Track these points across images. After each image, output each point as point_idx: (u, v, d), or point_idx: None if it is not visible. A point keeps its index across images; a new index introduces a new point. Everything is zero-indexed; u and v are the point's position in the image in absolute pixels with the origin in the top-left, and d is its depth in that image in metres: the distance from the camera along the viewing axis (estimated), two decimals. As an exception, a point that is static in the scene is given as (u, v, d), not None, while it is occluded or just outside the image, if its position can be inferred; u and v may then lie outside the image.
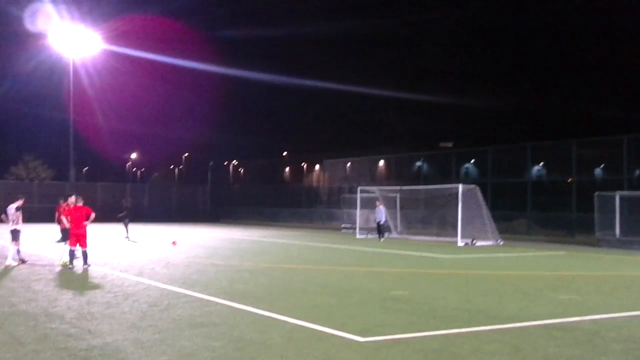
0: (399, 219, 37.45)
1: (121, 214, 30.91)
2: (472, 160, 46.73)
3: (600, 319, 10.50)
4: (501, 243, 29.97)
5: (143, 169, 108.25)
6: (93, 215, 17.03)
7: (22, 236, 17.95)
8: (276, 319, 9.86)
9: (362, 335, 8.71)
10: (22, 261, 17.71)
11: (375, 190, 36.95)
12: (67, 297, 11.85)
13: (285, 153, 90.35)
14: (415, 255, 23.14)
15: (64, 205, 19.68)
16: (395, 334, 8.92)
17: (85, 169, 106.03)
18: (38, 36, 52.38)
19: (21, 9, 53.41)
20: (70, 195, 18.40)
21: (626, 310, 11.31)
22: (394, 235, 35.51)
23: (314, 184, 66.56)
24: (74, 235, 16.51)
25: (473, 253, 24.81)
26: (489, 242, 29.82)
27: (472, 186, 31.20)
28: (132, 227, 31.05)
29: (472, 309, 11.17)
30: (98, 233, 33.95)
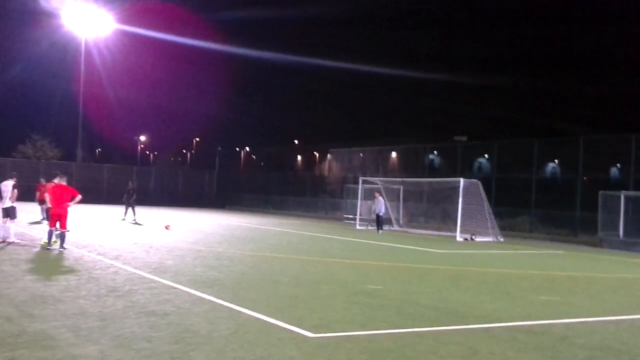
0: (401, 211, 36.97)
1: (132, 198, 30.89)
2: (486, 155, 46.12)
3: (575, 322, 10.04)
4: (501, 240, 29.41)
5: (156, 153, 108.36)
6: (79, 197, 16.49)
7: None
8: (233, 310, 9.48)
9: (314, 331, 8.31)
10: (3, 240, 17.47)
11: (378, 181, 36.46)
12: (28, 279, 11.53)
13: (296, 141, 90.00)
14: (409, 249, 22.69)
15: (48, 184, 19.40)
16: (351, 330, 8.52)
17: (98, 150, 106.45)
18: (51, 15, 52.31)
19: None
20: (56, 175, 18.11)
21: (605, 315, 10.84)
22: (395, 227, 35.06)
23: (324, 173, 66.02)
24: (54, 215, 15.95)
25: (469, 249, 24.31)
26: (489, 239, 29.28)
27: (475, 181, 30.65)
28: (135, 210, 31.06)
29: (443, 307, 10.73)
30: (98, 214, 33.88)
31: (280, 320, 8.84)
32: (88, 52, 53.72)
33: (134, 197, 31.27)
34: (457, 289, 13.11)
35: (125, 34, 56.94)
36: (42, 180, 24.48)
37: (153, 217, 33.80)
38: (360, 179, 36.81)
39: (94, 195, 49.41)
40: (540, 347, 8.21)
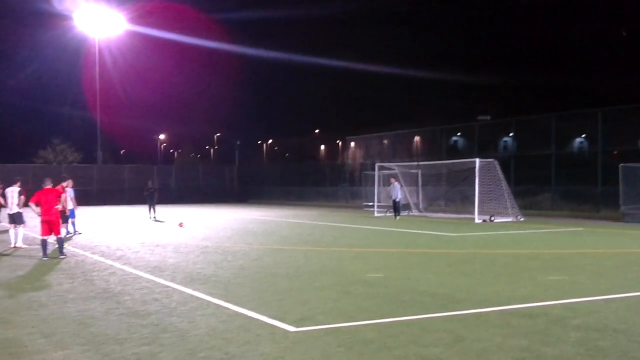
0: (420, 195, 36.52)
1: (153, 197, 31.93)
2: (511, 134, 45.33)
3: (576, 302, 9.63)
4: (521, 219, 28.86)
5: (180, 150, 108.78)
6: (64, 195, 16.13)
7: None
8: (219, 307, 9.26)
9: (297, 325, 8.04)
10: (13, 246, 17.47)
11: (394, 166, 36.03)
12: (19, 285, 11.42)
13: (317, 130, 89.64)
14: (423, 234, 22.30)
15: (58, 187, 18.76)
16: (336, 322, 8.23)
17: (122, 151, 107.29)
18: (63, 17, 52.58)
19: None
20: (65, 179, 17.93)
21: (611, 293, 10.38)
22: (414, 212, 34.65)
23: (343, 161, 65.56)
24: (45, 223, 14.73)
25: (487, 230, 23.84)
26: (509, 219, 28.74)
27: (491, 160, 30.08)
28: (157, 208, 31.78)
29: (441, 293, 10.38)
30: (117, 215, 34.05)
31: (265, 315, 8.60)
32: (102, 53, 53.98)
33: (155, 195, 31.89)
34: (461, 273, 12.74)
35: (137, 34, 57.10)
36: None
37: (172, 215, 33.77)
38: (377, 165, 36.42)
39: (116, 196, 49.79)
40: (532, 330, 7.84)
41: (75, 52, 57.02)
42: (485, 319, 8.48)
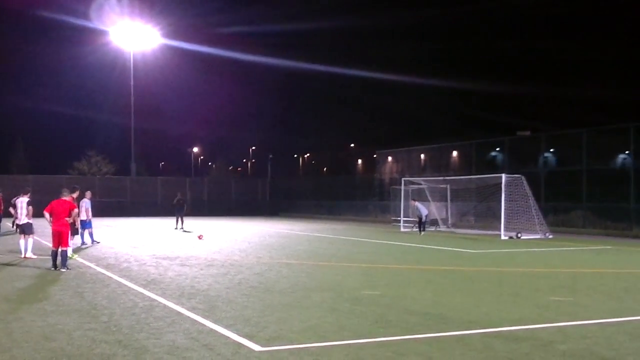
0: (449, 211, 35.82)
1: (182, 209, 33.35)
2: (551, 150, 44.23)
3: (571, 325, 9.11)
4: (550, 236, 28.04)
5: (215, 164, 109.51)
6: (75, 210, 15.98)
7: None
8: (195, 322, 8.99)
9: (265, 345, 7.73)
10: (24, 256, 17.52)
11: (422, 181, 35.46)
12: (7, 297, 11.34)
13: (352, 145, 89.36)
14: (441, 250, 21.76)
15: (67, 198, 18.56)
16: (307, 342, 7.89)
17: (162, 163, 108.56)
18: (99, 32, 53.50)
19: (84, 6, 54.74)
20: (74, 190, 17.77)
21: (612, 316, 9.81)
22: (442, 228, 33.99)
23: (375, 175, 64.91)
24: (55, 233, 14.79)
25: (510, 247, 23.18)
26: (536, 236, 27.96)
27: (518, 176, 29.34)
28: (186, 220, 33.46)
29: (433, 312, 9.94)
30: (144, 227, 34.21)
31: (237, 333, 8.30)
32: (137, 67, 54.63)
33: (184, 207, 33.58)
34: (462, 292, 12.26)
35: (172, 48, 57.75)
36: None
37: (199, 227, 33.72)
38: (403, 180, 35.89)
39: (149, 208, 50.14)
40: (511, 356, 7.38)
41: (111, 66, 57.92)
42: (466, 342, 8.04)
